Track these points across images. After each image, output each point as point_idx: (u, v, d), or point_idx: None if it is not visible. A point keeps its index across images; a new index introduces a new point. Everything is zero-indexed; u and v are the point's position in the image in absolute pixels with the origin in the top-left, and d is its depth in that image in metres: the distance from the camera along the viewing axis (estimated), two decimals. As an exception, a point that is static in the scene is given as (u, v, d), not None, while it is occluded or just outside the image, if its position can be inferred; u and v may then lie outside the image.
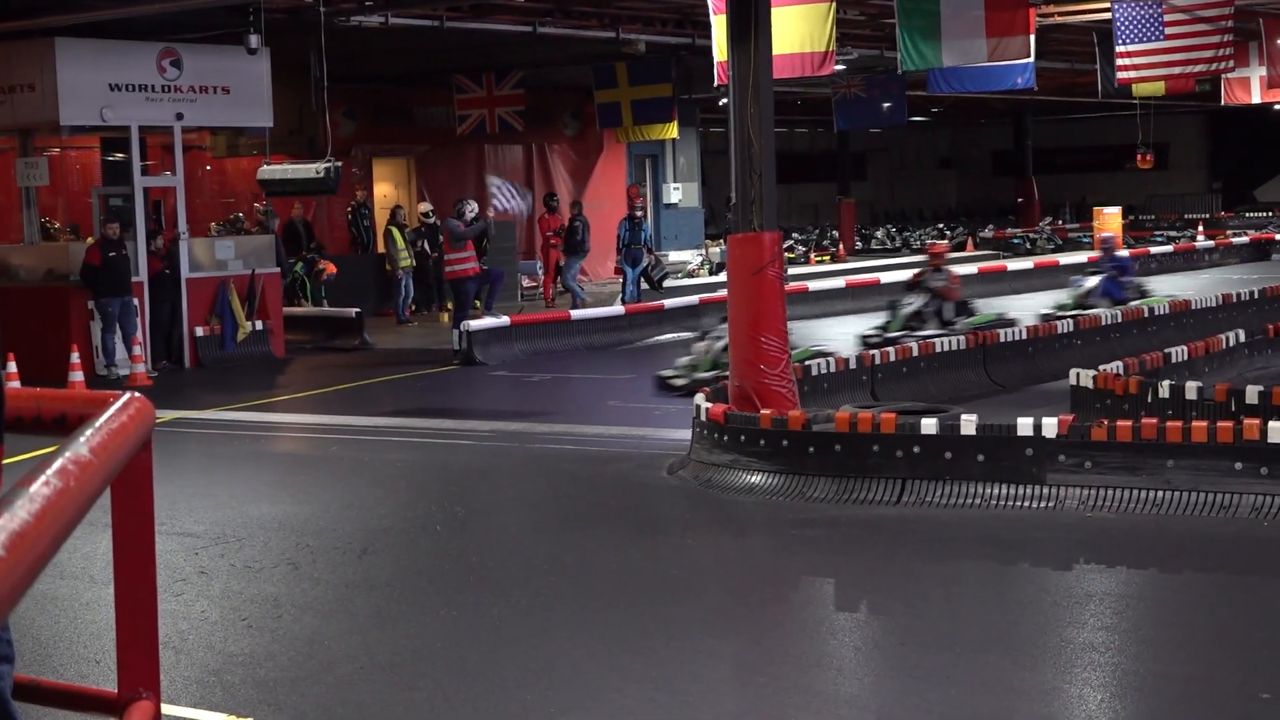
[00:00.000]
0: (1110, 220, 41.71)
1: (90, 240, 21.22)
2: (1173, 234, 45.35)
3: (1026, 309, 23.78)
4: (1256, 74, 28.66)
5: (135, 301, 20.43)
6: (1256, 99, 30.09)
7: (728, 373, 13.15)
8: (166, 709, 6.90)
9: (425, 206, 27.49)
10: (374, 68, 28.82)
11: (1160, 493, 10.62)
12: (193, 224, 22.58)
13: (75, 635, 8.33)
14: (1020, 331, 17.76)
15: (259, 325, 22.27)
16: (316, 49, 20.20)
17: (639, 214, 29.35)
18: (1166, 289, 26.90)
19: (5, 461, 2.44)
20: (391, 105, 31.61)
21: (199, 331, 21.71)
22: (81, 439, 2.14)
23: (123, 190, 21.75)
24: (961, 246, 43.73)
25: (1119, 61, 24.74)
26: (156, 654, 2.52)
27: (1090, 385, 13.83)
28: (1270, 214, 49.75)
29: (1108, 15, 24.02)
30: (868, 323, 24.69)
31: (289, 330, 23.22)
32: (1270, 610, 8.34)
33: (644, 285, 27.39)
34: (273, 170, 21.91)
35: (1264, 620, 8.10)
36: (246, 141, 27.07)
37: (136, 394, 2.46)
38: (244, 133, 25.78)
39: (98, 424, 2.23)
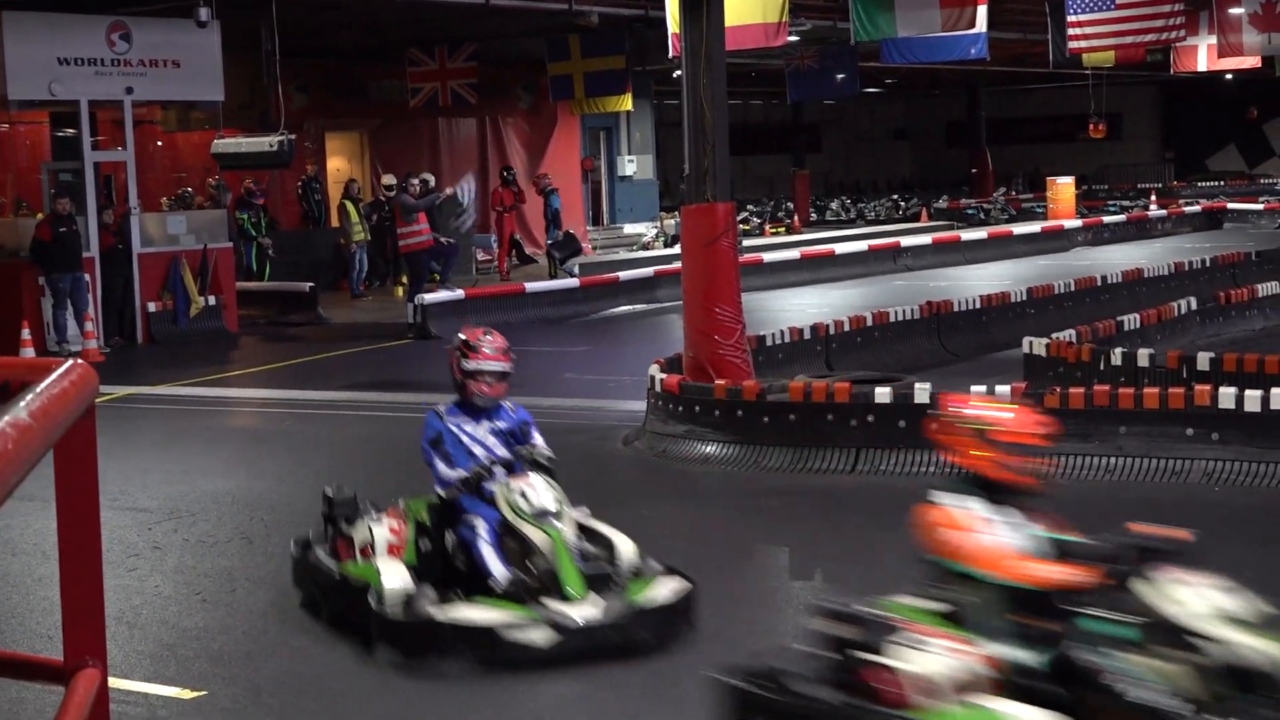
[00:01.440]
0: (1064, 190, 41.87)
1: (40, 216, 21.07)
2: (1126, 203, 45.49)
3: (982, 278, 23.88)
4: (1205, 42, 28.80)
5: (87, 277, 20.30)
6: (1203, 66, 30.23)
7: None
8: (121, 683, 6.89)
9: (389, 179, 27.34)
10: (326, 41, 28.66)
11: (1113, 459, 10.69)
12: (144, 199, 22.43)
13: (28, 610, 8.29)
14: (974, 300, 17.82)
15: (212, 300, 22.15)
16: (267, 22, 20.12)
17: (549, 186, 29.25)
18: (1119, 258, 27.06)
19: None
20: (344, 79, 31.43)
21: (151, 307, 21.58)
22: (21, 404, 2.12)
23: (73, 165, 21.59)
24: (916, 217, 43.83)
25: (1070, 31, 24.83)
26: (102, 622, 2.50)
27: (1043, 353, 13.89)
28: (1222, 183, 50.00)
29: (1059, -15, 24.10)
30: (824, 296, 24.78)
31: (242, 305, 23.11)
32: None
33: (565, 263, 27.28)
34: (226, 144, 21.83)
35: (1215, 584, 8.14)
36: (198, 116, 26.89)
37: (79, 360, 2.44)
38: (195, 107, 25.60)
39: (38, 390, 2.21)
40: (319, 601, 7.89)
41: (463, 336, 8.25)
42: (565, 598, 7.16)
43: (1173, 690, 5.13)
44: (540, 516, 7.49)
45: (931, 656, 5.44)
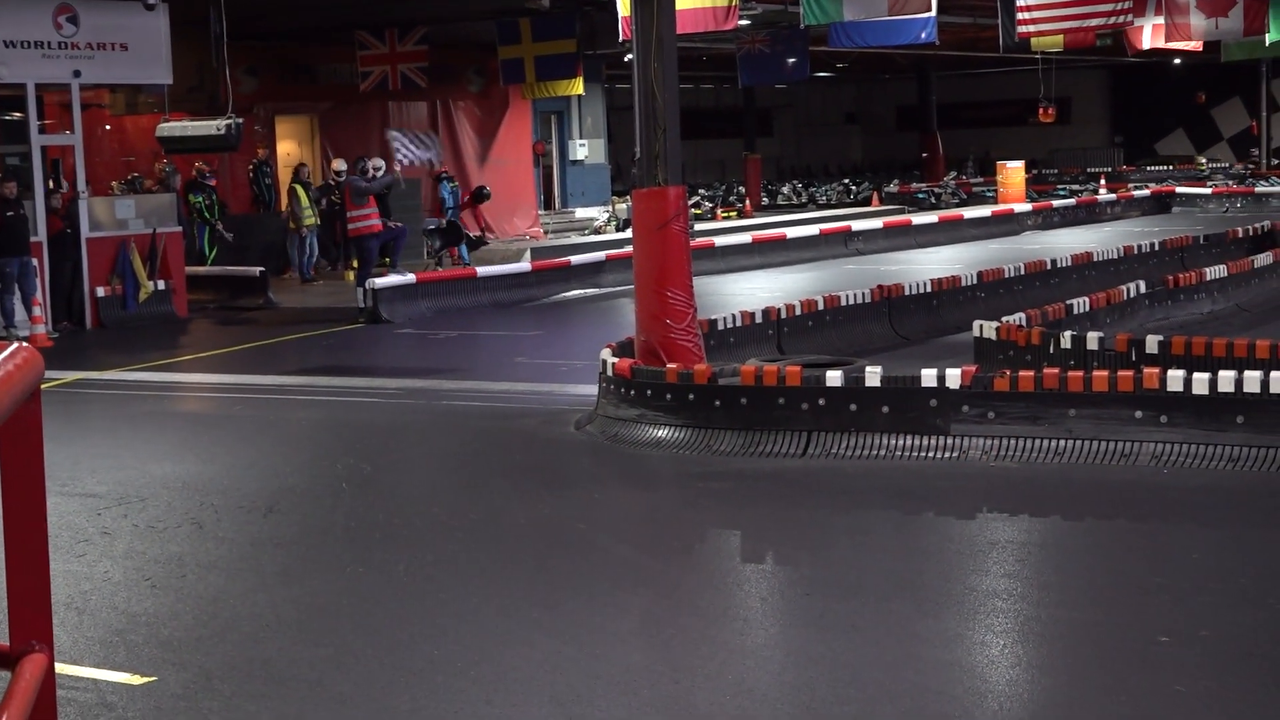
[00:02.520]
0: (1014, 174, 42.04)
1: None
2: (1075, 187, 45.72)
3: (932, 262, 23.95)
4: (1152, 22, 28.96)
5: (34, 262, 20.14)
6: (1147, 44, 30.40)
7: None
8: (70, 669, 6.86)
9: (340, 164, 27.22)
10: (275, 24, 28.52)
11: (1062, 442, 10.75)
12: (93, 183, 22.28)
13: (-25, 598, 8.22)
14: (925, 284, 17.87)
15: (161, 285, 22.03)
16: (216, 5, 19.99)
17: (443, 174, 29.08)
18: (1068, 242, 27.18)
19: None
20: (294, 62, 31.29)
21: (100, 292, 21.45)
22: (-35, 388, 2.10)
23: (20, 149, 21.41)
24: (867, 201, 43.93)
25: (1019, 15, 24.97)
26: (49, 606, 2.49)
27: (993, 336, 13.95)
28: (1171, 167, 50.29)
29: (1009, -31, 24.17)
30: (776, 280, 24.85)
31: (192, 290, 22.99)
32: (1169, 556, 8.45)
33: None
34: (172, 127, 21.71)
35: (1163, 565, 8.21)
36: (146, 99, 26.73)
37: (24, 344, 2.42)
38: (143, 90, 25.44)
39: (-17, 373, 2.19)
40: None
41: None
42: None
43: None
44: None
45: None
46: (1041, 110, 40.76)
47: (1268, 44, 29.42)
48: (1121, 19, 25.03)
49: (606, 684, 6.63)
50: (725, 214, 39.90)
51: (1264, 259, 19.89)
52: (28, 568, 2.47)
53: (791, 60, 32.51)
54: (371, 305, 20.76)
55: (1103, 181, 46.17)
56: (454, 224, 27.79)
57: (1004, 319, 14.25)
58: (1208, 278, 18.31)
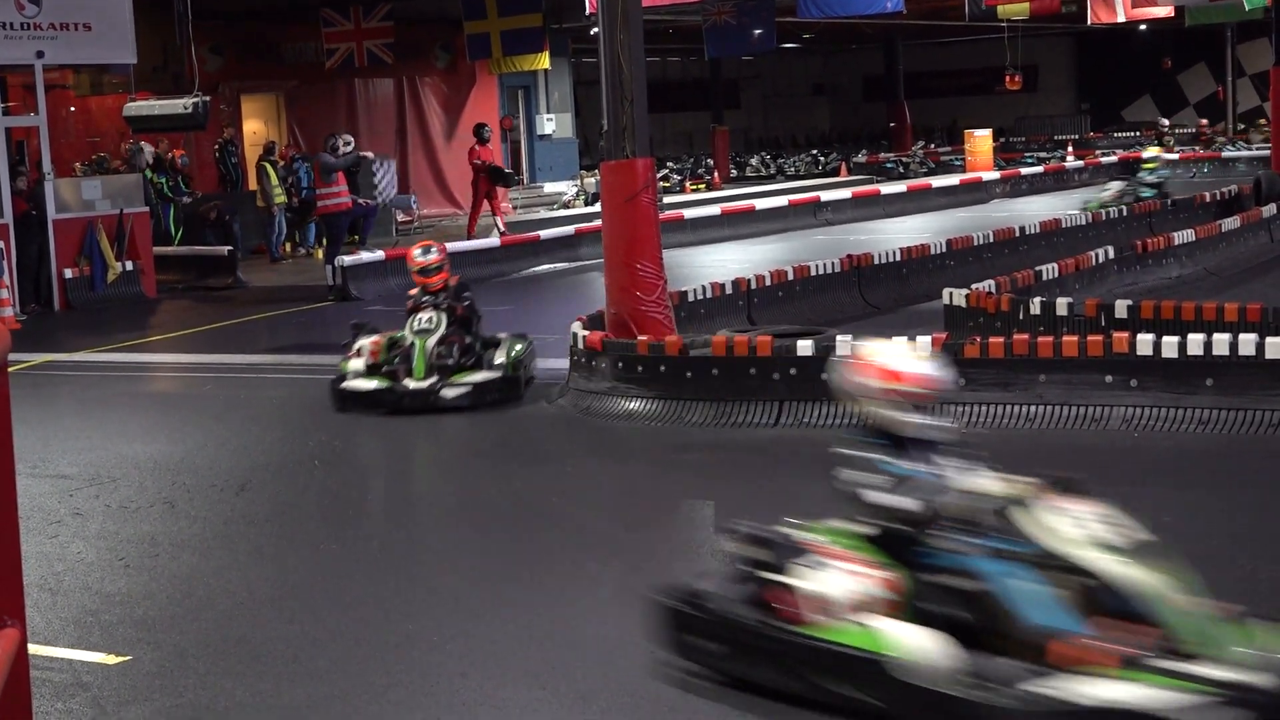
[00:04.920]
0: (982, 143, 42.06)
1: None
2: (1043, 155, 45.72)
3: (901, 231, 23.97)
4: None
5: (1, 244, 20.04)
6: (1122, 18, 30.42)
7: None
8: (44, 650, 6.84)
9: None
10: (240, 3, 28.40)
11: (1033, 407, 10.78)
12: (58, 164, 22.16)
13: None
14: (894, 253, 17.88)
15: (129, 266, 21.93)
16: (179, -17, 19.85)
17: (295, 154, 28.23)
18: (1037, 209, 27.23)
19: None
20: (258, 41, 31.15)
21: (68, 273, 21.36)
22: (-69, 362, 2.09)
23: (-17, 131, 21.33)
24: (835, 172, 43.92)
25: (986, -17, 24.95)
26: (20, 581, 2.48)
27: (963, 304, 13.98)
28: (1138, 134, 50.37)
29: (975, -63, 24.18)
30: (746, 251, 24.83)
31: (160, 270, 22.89)
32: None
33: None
34: (139, 106, 21.61)
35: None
36: (111, 79, 26.60)
37: (-10, 318, 2.41)
38: (108, 70, 25.31)
39: (-51, 348, 2.18)
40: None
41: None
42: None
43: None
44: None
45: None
46: (1008, 78, 40.78)
47: (1247, 8, 29.27)
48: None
49: (582, 655, 6.64)
50: (694, 186, 39.83)
51: (1231, 223, 19.95)
52: (-2, 543, 2.46)
53: (758, 32, 32.44)
54: (341, 283, 20.69)
55: (1070, 149, 46.21)
56: (306, 203, 27.09)
57: (973, 286, 14.27)
58: (1176, 242, 18.36)
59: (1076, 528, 5.53)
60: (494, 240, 24.22)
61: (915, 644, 5.49)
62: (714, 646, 6.09)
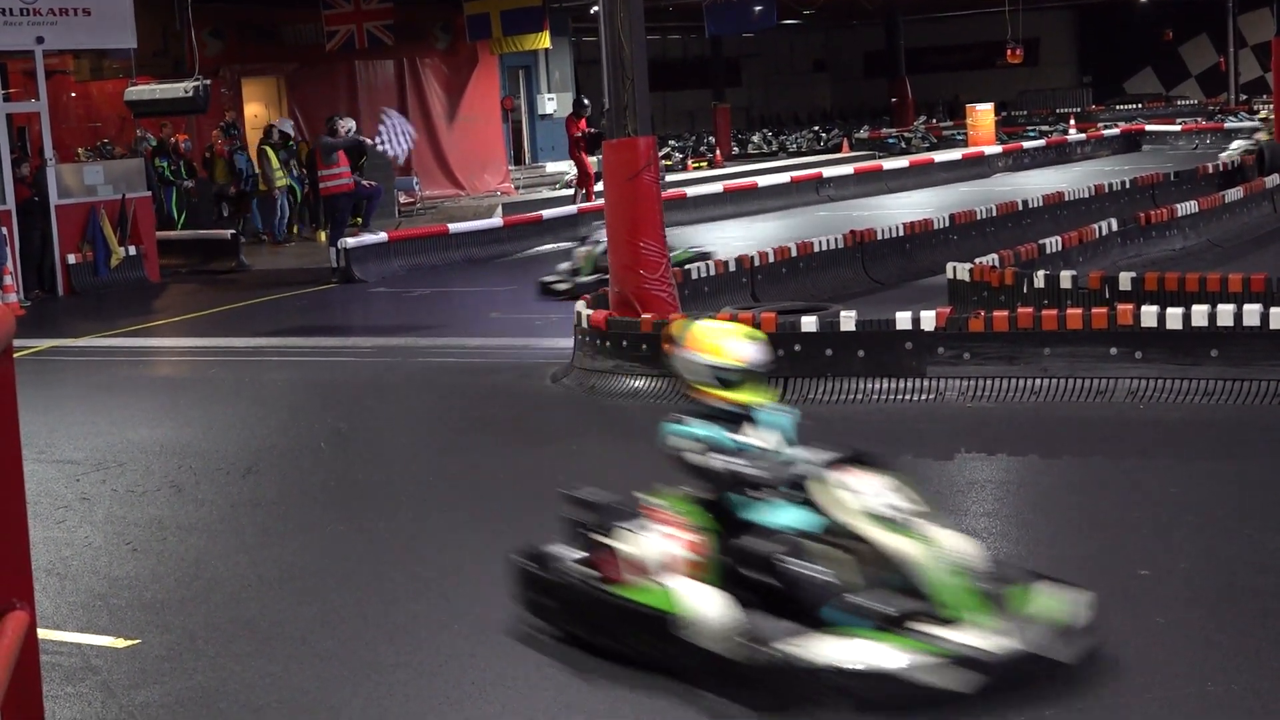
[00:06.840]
0: (983, 117, 42.00)
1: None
2: (1045, 128, 45.67)
3: (904, 207, 23.94)
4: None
5: (4, 231, 20.03)
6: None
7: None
8: (53, 634, 6.85)
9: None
10: (239, -14, 28.37)
11: (1038, 381, 10.77)
12: (60, 150, 22.16)
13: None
14: (897, 228, 17.87)
15: (132, 250, 21.95)
16: (178, -33, 19.82)
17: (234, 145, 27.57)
18: (1039, 183, 27.18)
19: None
20: (258, 24, 31.10)
21: (71, 259, 21.38)
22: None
23: (-16, 117, 21.31)
24: (838, 148, 43.87)
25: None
26: (28, 564, 2.48)
27: (967, 278, 13.95)
28: (1139, 105, 50.30)
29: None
30: (749, 228, 24.82)
31: (163, 254, 22.92)
32: (1146, 490, 8.48)
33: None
34: (140, 91, 21.61)
35: (1141, 501, 8.24)
36: (111, 64, 26.57)
37: (-6, 302, 2.41)
38: (108, 55, 25.29)
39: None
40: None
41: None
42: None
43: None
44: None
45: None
46: (1009, 52, 40.71)
47: None
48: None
49: (590, 633, 6.64)
50: (696, 164, 39.80)
51: (1234, 194, 19.93)
52: (6, 527, 2.47)
53: (758, 8, 32.41)
54: (344, 265, 20.71)
55: (1072, 122, 46.15)
56: (244, 194, 27.03)
57: (977, 260, 14.25)
58: (1179, 214, 18.34)
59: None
60: (497, 220, 24.20)
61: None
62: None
